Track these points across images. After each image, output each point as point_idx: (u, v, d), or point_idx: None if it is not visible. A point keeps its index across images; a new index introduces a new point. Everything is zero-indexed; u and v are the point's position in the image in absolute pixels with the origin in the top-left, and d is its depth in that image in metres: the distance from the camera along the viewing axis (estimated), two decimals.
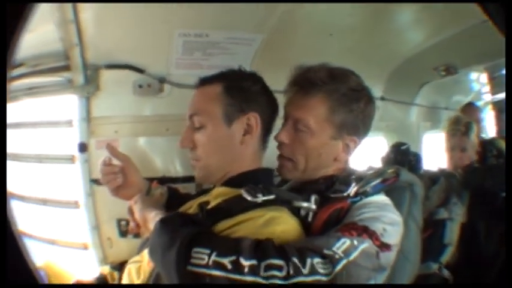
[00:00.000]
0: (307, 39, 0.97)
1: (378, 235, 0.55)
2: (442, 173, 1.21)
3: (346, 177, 0.66)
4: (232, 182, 0.65)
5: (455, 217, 1.13)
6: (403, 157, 0.93)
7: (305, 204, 0.59)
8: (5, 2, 0.39)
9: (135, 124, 0.95)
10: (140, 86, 0.93)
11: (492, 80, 1.52)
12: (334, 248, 0.51)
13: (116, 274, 0.79)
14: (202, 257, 0.48)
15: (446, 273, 1.05)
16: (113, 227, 1.00)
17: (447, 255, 1.08)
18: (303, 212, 0.60)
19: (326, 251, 0.50)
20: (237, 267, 0.47)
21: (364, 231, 0.55)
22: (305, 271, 0.47)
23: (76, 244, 1.11)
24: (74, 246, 1.12)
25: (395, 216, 0.61)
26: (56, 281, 0.96)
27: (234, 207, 0.58)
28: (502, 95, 1.56)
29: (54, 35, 0.94)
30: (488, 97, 1.65)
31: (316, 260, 0.48)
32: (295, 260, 0.47)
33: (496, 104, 1.60)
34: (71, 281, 0.90)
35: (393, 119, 1.06)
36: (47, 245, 1.19)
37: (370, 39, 1.03)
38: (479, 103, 1.52)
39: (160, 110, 0.96)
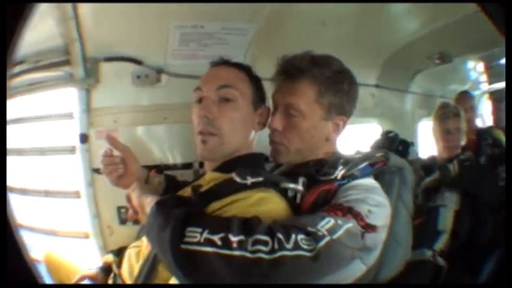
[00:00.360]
0: (301, 29, 1.01)
1: (363, 216, 0.58)
2: (436, 164, 1.24)
3: (334, 160, 0.69)
4: (225, 167, 0.67)
5: (449, 204, 1.16)
6: (391, 144, 0.96)
7: (292, 186, 0.63)
8: (5, 2, 0.40)
9: (133, 114, 0.99)
10: (138, 77, 0.96)
11: (488, 69, 1.53)
12: (319, 226, 0.54)
13: (117, 260, 0.82)
14: (195, 235, 0.51)
15: (440, 260, 1.07)
16: (113, 215, 1.04)
17: (441, 242, 1.10)
18: (290, 193, 0.63)
19: (310, 228, 0.53)
20: (226, 243, 0.49)
21: (349, 211, 0.58)
22: (289, 246, 0.50)
23: (77, 233, 1.14)
24: (75, 235, 1.16)
25: (381, 198, 0.64)
26: (58, 272, 0.98)
27: (224, 189, 0.62)
28: (498, 85, 1.58)
29: (53, 31, 0.98)
30: (485, 87, 1.67)
31: (300, 236, 0.51)
32: (280, 235, 0.50)
33: (492, 94, 1.62)
34: (75, 271, 0.94)
35: (388, 106, 1.09)
36: (48, 236, 1.23)
37: (363, 28, 1.06)
38: (476, 92, 1.54)
39: (158, 99, 0.99)
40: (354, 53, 0.96)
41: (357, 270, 0.57)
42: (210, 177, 0.68)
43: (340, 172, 0.65)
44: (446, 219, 1.19)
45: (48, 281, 0.96)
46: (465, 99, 1.45)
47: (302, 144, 0.71)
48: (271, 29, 0.97)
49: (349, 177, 0.65)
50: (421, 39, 1.16)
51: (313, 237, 0.52)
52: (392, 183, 0.70)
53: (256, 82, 0.72)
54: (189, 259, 0.50)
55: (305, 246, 0.51)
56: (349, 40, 1.04)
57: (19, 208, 1.30)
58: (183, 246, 0.50)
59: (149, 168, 0.83)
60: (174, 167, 0.99)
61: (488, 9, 0.45)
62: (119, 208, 1.03)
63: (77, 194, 1.08)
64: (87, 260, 1.06)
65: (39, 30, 1.01)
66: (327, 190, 0.63)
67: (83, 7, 0.93)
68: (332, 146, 0.74)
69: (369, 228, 0.58)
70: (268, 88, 0.78)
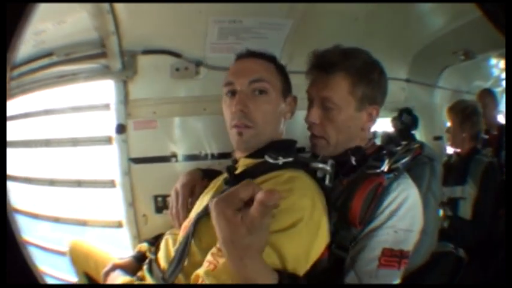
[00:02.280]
0: (334, 24, 1.08)
1: (408, 252, 0.67)
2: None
3: (377, 152, 0.76)
4: (257, 153, 0.74)
5: (468, 196, 1.24)
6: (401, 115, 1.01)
7: (321, 165, 0.69)
8: (5, 2, 0.41)
9: (172, 105, 1.07)
10: (177, 69, 1.04)
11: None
12: None
13: (153, 248, 0.88)
14: None
15: (461, 252, 1.15)
16: (149, 203, 1.12)
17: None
18: (319, 174, 0.70)
19: None
20: None
21: (402, 256, 0.66)
22: None
23: (110, 223, 1.22)
24: (108, 225, 1.23)
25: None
26: (85, 261, 0.99)
27: (258, 169, 0.69)
28: None
29: (86, 24, 1.05)
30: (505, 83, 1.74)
31: None
32: None
33: None
34: (105, 259, 0.99)
35: (418, 100, 1.17)
36: (79, 226, 1.31)
37: (394, 24, 1.14)
38: (498, 89, 1.62)
39: (196, 91, 1.07)
40: (385, 48, 1.04)
41: None
42: (244, 163, 0.75)
43: (386, 166, 0.71)
44: (465, 212, 1.27)
45: (71, 272, 1.02)
46: (484, 96, 1.53)
47: (340, 136, 0.78)
48: (307, 24, 1.05)
49: (394, 170, 0.71)
50: (447, 35, 1.24)
51: None
52: (423, 175, 0.75)
53: (282, 71, 0.78)
54: None
55: None
56: (380, 35, 1.12)
57: (47, 199, 1.38)
58: None
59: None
60: (212, 156, 1.07)
61: (488, 9, 0.48)
62: (156, 197, 1.11)
63: (112, 183, 1.17)
64: (118, 249, 1.13)
65: (69, 24, 1.08)
66: (378, 184, 0.69)
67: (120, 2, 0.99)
68: (367, 134, 0.81)
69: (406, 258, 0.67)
70: (303, 82, 0.85)
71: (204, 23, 1.00)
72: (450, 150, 1.37)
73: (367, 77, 0.77)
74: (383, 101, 0.81)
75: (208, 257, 0.59)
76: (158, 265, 0.77)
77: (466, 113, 1.32)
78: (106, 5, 0.98)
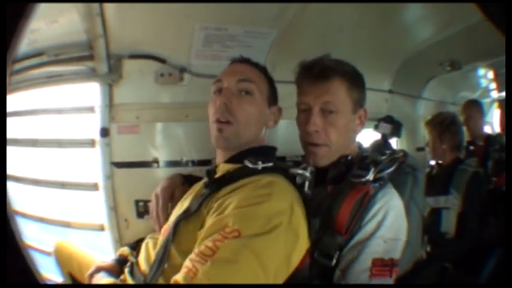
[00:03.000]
0: (319, 34, 1.11)
1: (396, 261, 0.69)
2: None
3: (363, 161, 0.77)
4: (237, 158, 0.75)
5: (452, 206, 1.27)
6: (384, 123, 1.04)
7: (300, 171, 0.71)
8: (5, 2, 0.41)
9: (155, 110, 1.08)
10: (162, 75, 1.06)
11: (498, 76, 1.64)
12: None
13: (134, 252, 0.89)
14: None
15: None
16: (131, 208, 1.13)
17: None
18: (299, 180, 0.71)
19: None
20: None
21: (392, 265, 0.69)
22: None
23: (93, 225, 1.24)
24: (90, 227, 1.25)
25: (399, 208, 0.72)
26: (69, 262, 1.00)
27: (237, 174, 0.70)
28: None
29: (77, 26, 1.06)
30: (495, 94, 1.78)
31: None
32: None
33: (502, 102, 1.73)
34: (88, 261, 1.01)
35: (401, 111, 1.19)
36: (62, 228, 1.32)
37: (378, 35, 1.16)
38: (486, 100, 1.65)
39: (180, 97, 1.09)
40: (369, 59, 1.06)
41: None
42: (223, 168, 0.76)
43: (371, 175, 0.72)
44: (449, 222, 1.30)
45: (57, 272, 1.04)
46: (469, 107, 1.57)
47: (340, 140, 0.79)
48: (291, 34, 1.07)
49: (379, 179, 0.73)
50: (433, 46, 1.27)
51: None
52: (406, 184, 0.77)
53: (270, 82, 0.82)
54: None
55: None
56: (364, 46, 1.14)
57: (31, 199, 1.39)
58: None
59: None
60: (193, 163, 1.09)
61: (488, 9, 0.48)
62: (137, 202, 1.12)
63: (95, 187, 1.18)
64: (100, 252, 1.15)
65: (61, 24, 1.09)
66: (364, 193, 0.71)
67: (109, 4, 1.01)
68: (354, 139, 0.84)
69: (396, 266, 0.69)
70: (287, 90, 0.87)
71: (190, 30, 1.02)
72: (433, 161, 1.39)
73: (358, 80, 0.82)
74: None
75: (187, 263, 0.60)
76: (139, 268, 0.79)
77: (444, 125, 1.35)
78: (96, 8, 1.00)
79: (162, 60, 1.06)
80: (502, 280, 0.48)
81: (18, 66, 1.18)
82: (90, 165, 1.21)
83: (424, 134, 1.32)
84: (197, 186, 0.81)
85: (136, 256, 0.84)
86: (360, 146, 0.87)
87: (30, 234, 1.35)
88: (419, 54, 1.25)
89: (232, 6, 0.97)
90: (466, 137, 1.44)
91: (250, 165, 0.70)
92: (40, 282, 0.47)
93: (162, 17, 1.00)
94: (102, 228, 1.22)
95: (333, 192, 0.74)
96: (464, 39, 1.25)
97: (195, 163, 1.09)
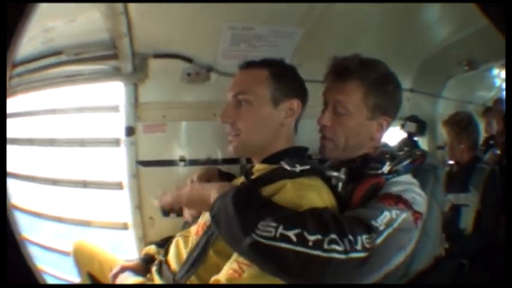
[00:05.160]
0: (343, 34, 1.14)
1: (410, 203, 0.69)
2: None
3: (380, 156, 0.80)
4: (271, 159, 0.78)
5: (471, 204, 1.30)
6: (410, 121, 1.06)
7: (335, 174, 0.74)
8: (5, 2, 0.42)
9: (182, 109, 1.11)
10: (189, 74, 1.08)
11: None
12: (379, 220, 0.63)
13: (162, 251, 0.91)
14: (270, 229, 0.58)
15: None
16: (157, 206, 1.15)
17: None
18: (334, 182, 0.74)
19: (373, 222, 0.62)
20: (302, 241, 0.57)
21: (399, 199, 0.68)
22: (358, 247, 0.58)
23: (116, 224, 1.26)
24: (113, 226, 1.27)
25: (420, 190, 0.74)
26: (90, 262, 1.01)
27: (275, 175, 0.72)
28: None
29: (98, 25, 1.07)
30: None
31: (364, 236, 0.60)
32: (350, 237, 0.59)
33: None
34: (110, 261, 1.02)
35: (422, 110, 1.22)
36: (83, 227, 1.33)
37: (400, 34, 1.19)
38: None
39: (207, 96, 1.12)
40: (391, 58, 1.09)
41: (399, 259, 0.66)
42: (258, 168, 0.78)
43: (387, 168, 0.75)
44: (467, 219, 1.33)
45: (74, 272, 1.05)
46: (500, 103, 1.59)
47: (348, 141, 0.81)
48: (317, 33, 1.10)
49: (394, 172, 0.75)
50: (452, 46, 1.30)
51: (375, 232, 0.61)
52: (428, 181, 0.79)
53: (280, 77, 0.79)
54: (263, 252, 0.58)
55: (369, 246, 0.60)
56: (386, 46, 1.17)
57: (52, 199, 1.40)
58: (258, 239, 0.58)
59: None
60: (222, 161, 1.12)
61: (488, 9, 0.49)
62: None
63: (119, 185, 1.20)
64: (120, 252, 1.16)
65: (80, 23, 1.10)
66: (377, 183, 0.73)
67: (134, 3, 1.01)
68: (376, 144, 0.85)
69: (417, 214, 0.69)
70: (316, 89, 0.89)
71: (217, 29, 1.04)
72: (451, 160, 1.43)
73: (381, 88, 0.81)
74: (395, 113, 0.85)
75: (234, 264, 0.62)
76: (168, 266, 0.80)
77: (462, 125, 1.38)
78: (120, 6, 1.00)
79: (189, 60, 1.08)
80: (502, 281, 0.50)
81: (33, 65, 1.19)
82: (113, 164, 1.23)
83: (443, 133, 1.36)
84: (235, 184, 0.82)
85: (165, 255, 0.85)
86: (385, 145, 0.88)
87: (47, 234, 1.37)
88: (438, 54, 1.28)
89: (259, 5, 1.00)
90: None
91: (288, 168, 0.71)
92: (40, 282, 0.47)
93: (189, 16, 1.02)
94: (125, 227, 1.24)
95: (352, 186, 0.76)
96: (480, 39, 1.28)
97: (222, 162, 1.11)
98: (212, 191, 0.71)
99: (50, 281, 1.07)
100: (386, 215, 0.65)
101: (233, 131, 0.78)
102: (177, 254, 0.81)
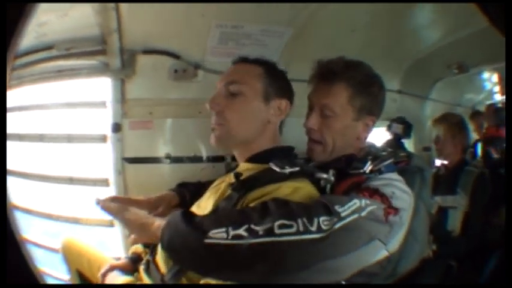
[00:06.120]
0: (332, 34, 1.12)
1: (387, 197, 0.67)
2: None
3: (363, 156, 0.79)
4: (257, 158, 0.76)
5: (459, 206, 1.29)
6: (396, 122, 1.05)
7: (325, 176, 0.73)
8: (5, 2, 0.41)
9: (169, 106, 1.09)
10: (176, 71, 1.06)
11: (503, 80, 1.68)
12: (346, 206, 0.62)
13: (148, 250, 0.87)
14: (222, 235, 0.57)
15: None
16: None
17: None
18: (322, 183, 0.73)
19: (337, 208, 0.61)
20: (252, 233, 0.57)
21: (375, 192, 0.67)
22: (312, 228, 0.58)
23: (102, 222, 1.23)
24: (99, 223, 1.24)
25: (404, 187, 0.73)
26: (78, 259, 0.99)
27: (264, 177, 0.70)
28: None
29: (89, 19, 1.05)
30: (498, 97, 1.82)
31: (322, 218, 0.59)
32: (304, 219, 0.58)
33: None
34: (98, 258, 0.99)
35: (409, 111, 1.21)
36: (71, 224, 1.31)
37: (390, 36, 1.18)
38: (489, 102, 1.68)
39: (193, 93, 1.09)
40: (379, 59, 1.08)
41: (378, 252, 0.65)
42: (245, 167, 0.76)
43: (368, 167, 0.74)
44: (455, 221, 1.32)
45: (63, 269, 1.03)
46: (488, 111, 1.59)
47: (336, 142, 0.80)
48: (305, 33, 1.08)
49: (376, 171, 0.74)
50: (442, 49, 1.30)
51: (336, 216, 0.60)
52: (414, 183, 0.78)
53: (273, 76, 0.79)
54: (219, 254, 0.57)
55: (326, 227, 0.59)
56: (376, 47, 1.16)
57: (38, 195, 1.38)
58: (212, 241, 0.57)
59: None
60: (207, 159, 1.10)
61: (488, 9, 0.48)
62: None
63: (105, 182, 1.18)
64: (109, 249, 1.13)
65: (72, 17, 1.08)
66: (357, 182, 0.72)
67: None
68: (361, 143, 0.84)
69: (392, 209, 0.67)
70: (304, 89, 0.88)
71: (205, 27, 1.02)
72: (438, 162, 1.42)
73: (366, 89, 0.80)
74: (380, 113, 0.84)
75: None
76: (156, 267, 0.77)
77: (459, 126, 1.37)
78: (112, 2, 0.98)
79: (176, 56, 1.06)
80: (502, 280, 0.49)
81: (25, 59, 1.16)
82: (100, 160, 1.20)
83: (431, 133, 1.35)
84: (220, 185, 0.80)
85: (152, 254, 0.82)
86: (371, 146, 0.87)
87: (36, 231, 1.34)
88: (428, 56, 1.27)
89: (249, 4, 0.98)
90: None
91: (277, 170, 0.70)
92: (40, 282, 0.47)
93: (178, 13, 1.00)
94: (111, 224, 1.21)
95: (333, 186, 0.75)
96: (472, 43, 1.27)
97: (208, 159, 1.09)
98: (156, 222, 0.66)
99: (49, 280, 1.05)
100: (355, 203, 0.64)
101: (219, 120, 0.75)
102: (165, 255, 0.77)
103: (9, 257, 0.42)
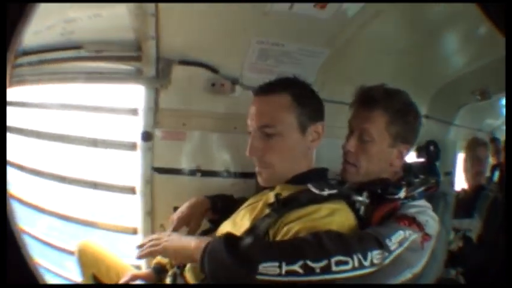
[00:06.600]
0: (367, 57, 1.12)
1: (423, 225, 0.72)
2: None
3: (397, 182, 0.82)
4: (295, 180, 0.76)
5: (474, 229, 1.33)
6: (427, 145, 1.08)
7: (361, 199, 0.76)
8: (5, 2, 0.41)
9: (203, 119, 1.07)
10: (213, 85, 1.04)
11: None
12: (392, 238, 0.66)
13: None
14: (274, 270, 0.57)
15: (461, 279, 1.23)
16: (168, 214, 1.11)
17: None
18: (357, 205, 0.76)
19: (385, 241, 0.64)
20: (309, 270, 0.57)
21: (414, 220, 0.71)
22: (367, 263, 0.60)
23: (125, 229, 1.21)
24: (122, 230, 1.22)
25: (434, 214, 0.78)
26: (96, 263, 0.97)
27: (303, 198, 0.71)
28: None
29: (124, 23, 1.01)
30: None
31: (375, 252, 0.62)
32: (359, 255, 0.60)
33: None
34: (118, 265, 0.98)
35: (434, 136, 1.23)
36: (92, 228, 1.28)
37: (419, 63, 1.19)
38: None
39: (228, 108, 1.08)
40: (409, 85, 1.08)
41: (406, 276, 0.69)
42: (282, 188, 0.76)
43: (403, 193, 0.78)
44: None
45: (78, 273, 1.01)
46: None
47: (370, 167, 0.83)
48: (341, 54, 1.08)
49: (410, 197, 0.79)
50: (467, 76, 1.31)
51: (387, 251, 0.64)
52: (438, 208, 0.84)
53: (304, 101, 0.75)
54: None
55: (377, 262, 0.62)
56: (407, 73, 1.16)
57: (64, 197, 1.34)
58: (263, 277, 0.56)
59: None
60: (238, 175, 1.08)
61: (488, 9, 0.48)
62: (176, 208, 1.10)
63: (132, 190, 1.15)
64: (125, 255, 1.11)
65: (105, 18, 1.05)
66: (393, 207, 0.76)
67: (164, 5, 0.94)
68: (395, 169, 0.86)
69: (427, 236, 0.72)
70: (336, 109, 0.89)
71: (246, 42, 1.01)
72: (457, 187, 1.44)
73: (403, 117, 0.83)
74: (414, 142, 0.87)
75: None
76: (185, 280, 0.77)
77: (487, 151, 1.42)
78: (151, 7, 0.94)
79: (214, 70, 1.05)
80: (502, 280, 0.51)
81: (49, 56, 1.13)
82: (127, 168, 1.18)
83: (453, 159, 1.37)
84: (255, 205, 0.79)
85: (180, 266, 0.81)
86: (407, 168, 0.89)
87: (52, 231, 1.31)
88: (453, 83, 1.28)
89: (290, 22, 0.97)
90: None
91: (316, 191, 0.70)
92: (40, 282, 0.47)
93: (219, 25, 0.98)
94: (134, 232, 1.19)
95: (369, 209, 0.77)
96: (494, 70, 1.29)
97: (239, 175, 1.08)
98: (192, 243, 0.67)
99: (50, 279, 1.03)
100: (400, 234, 0.68)
101: (262, 164, 0.76)
102: (195, 269, 0.75)
103: (9, 257, 0.42)
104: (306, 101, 0.76)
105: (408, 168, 0.90)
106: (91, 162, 1.23)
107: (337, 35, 1.01)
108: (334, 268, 0.58)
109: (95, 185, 1.24)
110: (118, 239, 1.25)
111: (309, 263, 0.57)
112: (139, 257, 0.75)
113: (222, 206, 0.90)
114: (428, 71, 1.24)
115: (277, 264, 0.57)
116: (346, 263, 0.59)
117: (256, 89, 0.78)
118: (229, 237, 0.65)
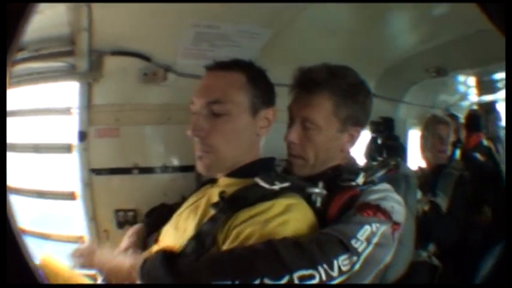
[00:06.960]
0: (311, 37, 1.06)
1: (389, 213, 0.63)
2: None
3: (352, 166, 0.74)
4: (240, 172, 0.67)
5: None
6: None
7: (317, 190, 0.66)
8: (5, 2, 0.41)
9: (137, 112, 0.99)
10: (145, 74, 0.97)
11: (480, 83, 1.69)
12: (358, 236, 0.58)
13: None
14: None
15: (435, 261, 1.18)
16: (110, 218, 1.02)
17: (433, 245, 1.21)
18: (313, 198, 0.66)
19: (351, 242, 0.56)
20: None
21: (378, 209, 0.62)
22: (334, 274, 0.53)
23: (71, 238, 1.11)
24: (68, 240, 1.12)
25: (397, 197, 0.69)
26: (55, 278, 0.95)
27: (251, 195, 0.61)
28: (488, 97, 1.76)
29: (60, 18, 0.95)
30: (474, 98, 1.83)
31: (341, 258, 0.54)
32: (325, 265, 0.52)
33: (483, 106, 1.79)
34: (73, 279, 0.91)
35: (382, 114, 1.19)
36: (42, 240, 1.18)
37: (367, 40, 1.14)
38: (465, 103, 1.70)
39: (163, 98, 1.00)
40: (356, 63, 1.03)
41: (376, 273, 0.61)
42: (226, 183, 0.67)
43: (361, 179, 0.70)
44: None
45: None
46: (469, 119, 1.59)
47: (318, 156, 0.73)
48: (283, 35, 1.02)
49: (369, 183, 0.70)
50: (421, 54, 1.27)
51: (355, 255, 0.56)
52: (399, 189, 0.75)
53: (258, 83, 0.68)
54: None
55: (346, 268, 0.54)
56: (354, 50, 1.11)
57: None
58: None
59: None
60: (176, 169, 1.01)
61: (488, 9, 0.47)
62: (117, 211, 1.02)
63: (72, 196, 1.06)
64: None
65: (45, 16, 0.96)
66: (352, 195, 0.67)
67: None
68: (346, 155, 0.78)
69: (396, 226, 0.63)
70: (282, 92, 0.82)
71: (179, 26, 0.93)
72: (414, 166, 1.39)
73: (352, 98, 0.72)
74: (366, 123, 0.78)
75: None
76: None
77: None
78: None
79: (147, 58, 0.97)
80: (502, 280, 0.47)
81: None
82: (68, 172, 1.09)
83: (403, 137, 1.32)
84: (197, 204, 0.70)
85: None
86: (352, 158, 0.81)
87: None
88: (406, 60, 1.24)
89: (227, 4, 0.90)
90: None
91: (266, 186, 0.61)
92: (40, 282, 0.46)
93: (151, 11, 0.90)
94: (81, 241, 1.10)
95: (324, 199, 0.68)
96: (454, 48, 1.25)
97: (177, 169, 1.00)
98: (126, 262, 0.61)
99: None
100: (366, 229, 0.59)
101: (205, 147, 0.64)
102: None
103: (9, 257, 0.42)
104: (261, 84, 0.69)
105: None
106: (28, 169, 1.13)
107: (277, 14, 0.95)
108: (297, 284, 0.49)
109: (39, 194, 1.15)
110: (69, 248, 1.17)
111: (267, 280, 0.49)
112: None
113: (158, 223, 0.78)
114: (379, 48, 1.20)
115: (229, 283, 0.49)
116: (311, 277, 0.51)
117: (209, 64, 0.69)
118: (166, 255, 0.56)
